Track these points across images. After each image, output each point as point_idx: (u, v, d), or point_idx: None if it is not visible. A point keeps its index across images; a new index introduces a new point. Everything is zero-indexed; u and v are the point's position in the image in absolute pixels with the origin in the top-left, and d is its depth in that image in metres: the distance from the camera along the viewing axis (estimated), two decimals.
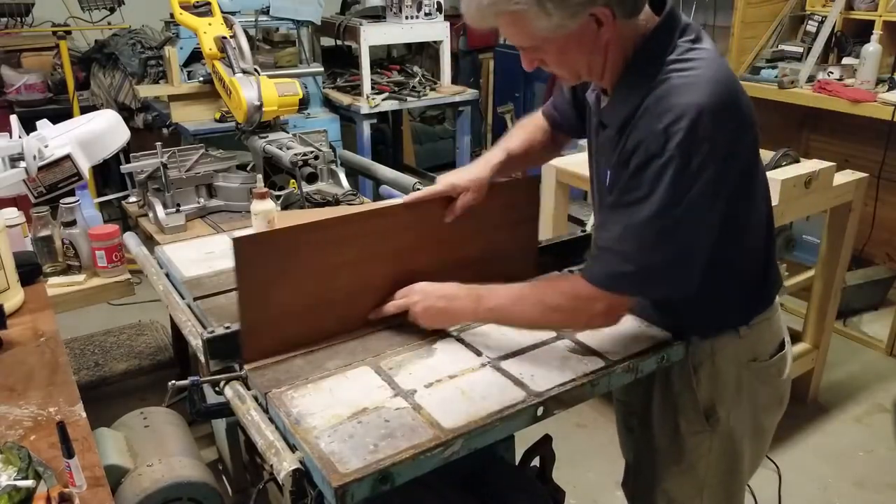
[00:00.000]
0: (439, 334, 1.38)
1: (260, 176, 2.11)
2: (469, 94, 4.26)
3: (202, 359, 1.31)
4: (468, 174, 1.43)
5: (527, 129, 1.56)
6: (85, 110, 3.66)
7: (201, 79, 3.46)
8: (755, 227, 1.28)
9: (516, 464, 1.57)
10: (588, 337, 1.36)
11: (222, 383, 1.26)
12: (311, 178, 2.09)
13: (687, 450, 1.38)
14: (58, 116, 1.98)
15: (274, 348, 1.30)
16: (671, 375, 1.37)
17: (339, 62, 4.40)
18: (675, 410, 1.38)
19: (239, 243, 1.21)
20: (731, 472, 1.42)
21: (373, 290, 1.39)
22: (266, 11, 3.74)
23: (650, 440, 1.44)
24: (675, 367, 1.35)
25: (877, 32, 3.16)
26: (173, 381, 1.26)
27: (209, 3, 2.51)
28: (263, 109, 2.24)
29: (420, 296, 1.34)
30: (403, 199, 1.45)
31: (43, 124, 1.83)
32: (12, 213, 1.96)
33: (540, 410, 1.17)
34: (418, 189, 2.12)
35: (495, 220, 1.50)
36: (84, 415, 1.27)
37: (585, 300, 1.20)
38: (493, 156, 1.47)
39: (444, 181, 1.42)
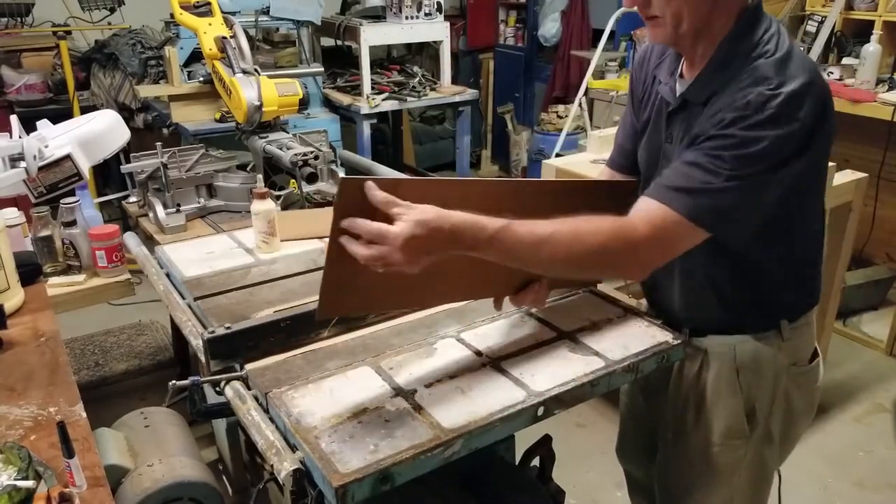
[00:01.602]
0: (439, 334, 1.38)
1: (260, 176, 2.11)
2: (469, 94, 4.27)
3: (202, 359, 1.31)
4: None
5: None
6: (85, 110, 3.66)
7: (201, 79, 3.46)
8: (813, 223, 1.27)
9: (516, 464, 1.57)
10: (588, 337, 1.36)
11: (223, 383, 1.26)
12: (311, 178, 2.09)
13: (723, 457, 1.36)
14: (58, 116, 1.98)
15: (346, 307, 1.22)
16: (710, 380, 1.35)
17: (339, 62, 4.40)
18: (715, 416, 1.35)
19: (346, 182, 1.04)
20: (761, 479, 1.41)
21: (456, 271, 1.19)
22: (266, 11, 3.74)
23: (683, 449, 1.41)
24: (715, 371, 1.34)
25: (877, 32, 3.16)
26: (173, 381, 1.26)
27: (209, 3, 2.51)
28: (263, 109, 2.24)
29: (402, 254, 1.02)
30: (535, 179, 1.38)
31: (43, 124, 1.83)
32: (12, 213, 1.96)
33: (540, 410, 1.17)
34: None
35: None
36: (84, 415, 1.27)
37: (636, 239, 1.11)
38: None
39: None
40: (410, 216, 1.01)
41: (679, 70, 1.27)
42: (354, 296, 1.17)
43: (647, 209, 1.13)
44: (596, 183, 1.38)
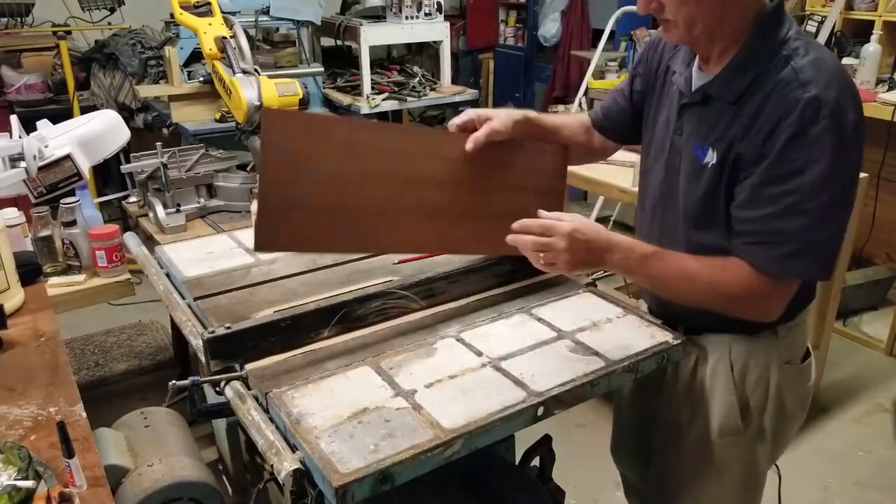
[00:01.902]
0: (439, 334, 1.38)
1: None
2: (469, 94, 4.27)
3: (202, 359, 1.31)
4: (492, 111, 1.37)
5: (568, 117, 1.54)
6: (85, 110, 3.66)
7: (201, 79, 3.46)
8: None
9: (516, 464, 1.57)
10: (588, 337, 1.36)
11: (223, 383, 1.26)
12: None
13: (717, 453, 1.37)
14: (58, 116, 1.99)
15: (286, 240, 1.24)
16: (706, 377, 1.35)
17: (339, 62, 4.40)
18: (710, 413, 1.36)
19: (270, 114, 1.14)
20: (752, 478, 1.41)
21: (393, 214, 1.31)
22: (266, 11, 3.74)
23: (678, 445, 1.42)
24: (710, 368, 1.34)
25: (877, 32, 3.16)
26: (173, 381, 1.26)
27: (209, 3, 2.50)
28: (263, 109, 2.23)
29: (566, 242, 1.17)
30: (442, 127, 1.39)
31: (43, 124, 1.83)
32: (12, 213, 1.96)
33: (540, 410, 1.17)
34: None
35: (521, 180, 1.43)
36: (84, 415, 1.27)
37: (762, 294, 1.16)
38: (517, 112, 1.40)
39: (469, 112, 1.37)
40: (577, 218, 1.20)
41: (695, 62, 1.26)
42: (293, 228, 1.21)
43: (768, 271, 1.15)
44: (516, 144, 1.38)
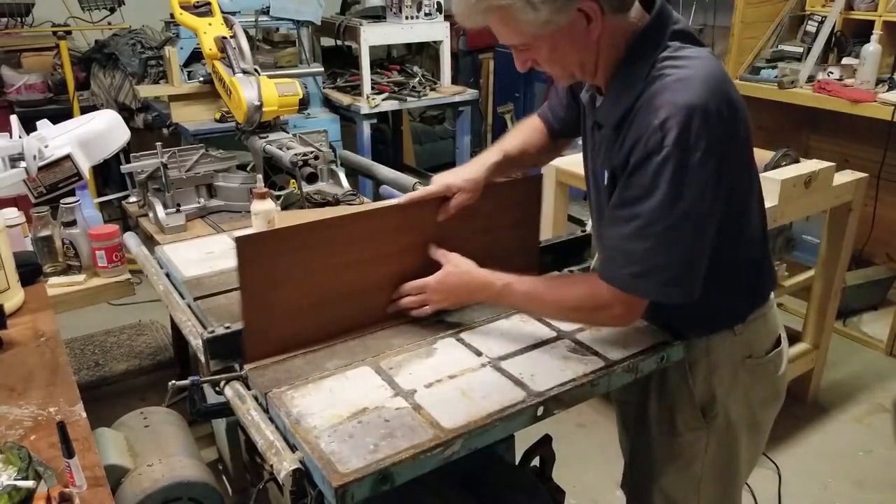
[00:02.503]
0: (439, 334, 1.38)
1: (260, 176, 2.11)
2: (469, 94, 4.26)
3: (202, 359, 1.31)
4: (463, 174, 1.43)
5: (523, 130, 1.56)
6: (85, 110, 3.66)
7: (201, 79, 3.46)
8: (751, 224, 1.28)
9: (516, 464, 1.57)
10: (588, 337, 1.36)
11: (222, 383, 1.26)
12: (311, 178, 2.09)
13: (684, 447, 1.39)
14: (58, 116, 1.98)
15: (276, 348, 1.30)
16: (667, 373, 1.37)
17: (339, 62, 4.40)
18: (672, 408, 1.38)
19: (241, 242, 1.22)
20: (728, 468, 1.42)
21: (376, 290, 1.40)
22: (266, 11, 3.74)
23: (647, 438, 1.45)
24: (671, 364, 1.36)
25: (877, 32, 3.16)
26: (173, 381, 1.26)
27: (209, 3, 2.51)
28: (263, 109, 2.24)
29: (438, 296, 1.39)
30: (398, 199, 1.46)
31: (43, 124, 1.83)
32: (12, 213, 1.96)
33: (540, 410, 1.17)
34: (417, 189, 2.13)
35: (496, 220, 1.51)
36: (84, 415, 1.27)
37: (605, 304, 1.21)
38: (490, 156, 1.47)
39: (439, 181, 1.42)
40: (445, 266, 1.38)
41: None
42: (281, 337, 1.31)
43: (609, 282, 1.19)
44: (487, 188, 1.45)
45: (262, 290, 1.26)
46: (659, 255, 1.14)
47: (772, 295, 1.40)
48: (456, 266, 1.38)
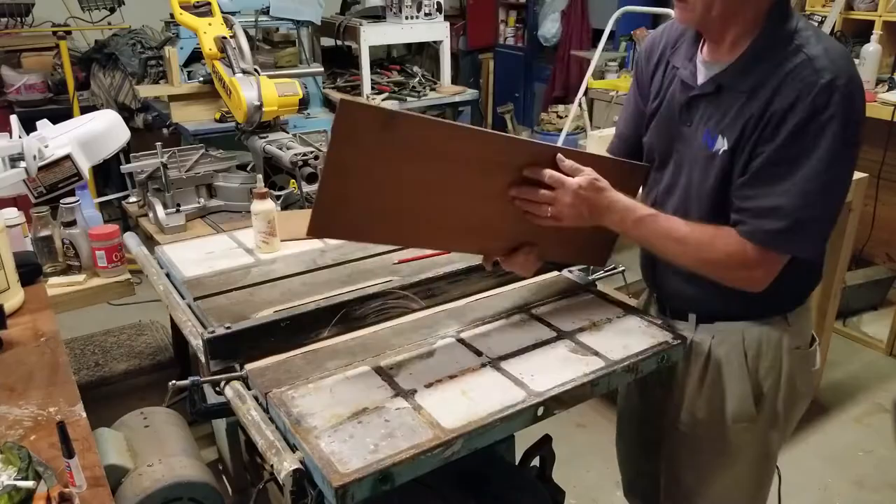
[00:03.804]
0: (439, 334, 1.38)
1: (260, 176, 2.11)
2: (469, 94, 4.27)
3: (202, 359, 1.31)
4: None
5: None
6: (85, 110, 3.66)
7: (201, 79, 3.46)
8: None
9: (516, 464, 1.58)
10: (588, 337, 1.36)
11: (222, 383, 1.26)
12: (311, 178, 2.09)
13: (731, 440, 1.38)
14: (58, 116, 1.98)
15: (337, 230, 1.21)
16: (721, 364, 1.36)
17: (339, 62, 4.40)
18: (725, 399, 1.37)
19: (345, 105, 1.08)
20: (765, 462, 1.43)
21: (448, 224, 1.27)
22: (266, 11, 3.74)
23: (691, 434, 1.42)
24: (723, 356, 1.35)
25: (877, 32, 3.16)
26: (173, 381, 1.26)
27: (209, 3, 2.51)
28: (263, 109, 2.24)
29: (571, 200, 1.22)
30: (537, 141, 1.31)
31: (43, 124, 1.83)
32: (12, 213, 1.96)
33: (540, 410, 1.17)
34: None
35: None
36: (84, 415, 1.27)
37: (750, 264, 1.20)
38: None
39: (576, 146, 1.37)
40: (586, 174, 1.23)
41: (698, 54, 1.28)
42: (346, 220, 1.18)
43: (758, 244, 1.18)
44: (600, 159, 1.34)
45: (345, 167, 1.12)
46: (809, 211, 1.15)
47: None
48: (598, 179, 1.23)
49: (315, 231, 1.18)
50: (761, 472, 1.44)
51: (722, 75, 1.23)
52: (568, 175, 1.23)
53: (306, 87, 2.67)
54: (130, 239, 1.98)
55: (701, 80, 1.26)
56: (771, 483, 1.49)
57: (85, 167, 1.79)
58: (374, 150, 1.12)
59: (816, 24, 3.40)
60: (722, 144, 1.22)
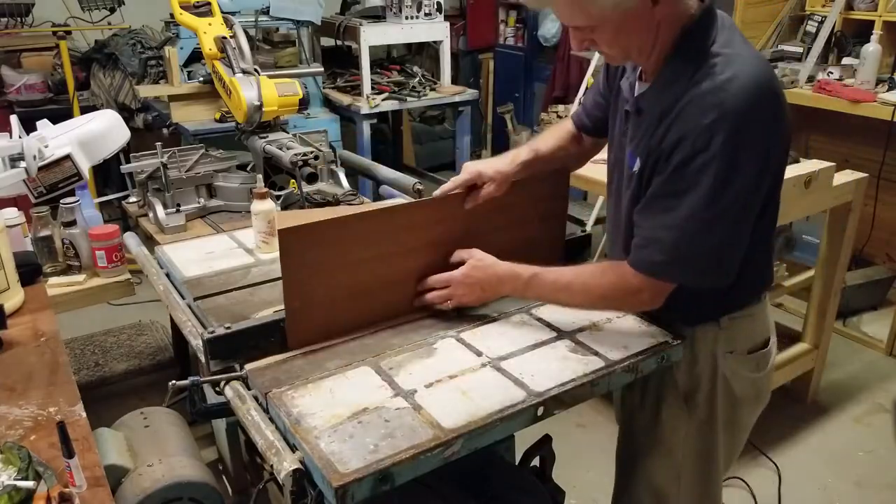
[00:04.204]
0: (439, 334, 1.38)
1: (260, 176, 2.11)
2: (469, 94, 4.27)
3: (202, 359, 1.31)
4: (495, 165, 1.46)
5: (556, 132, 1.59)
6: (85, 110, 3.66)
7: (201, 79, 3.46)
8: (763, 225, 1.29)
9: (516, 464, 1.58)
10: (588, 337, 1.36)
11: (222, 383, 1.26)
12: (311, 178, 2.08)
13: (666, 434, 1.42)
14: (58, 116, 1.98)
15: (315, 336, 1.34)
16: None
17: (339, 62, 4.40)
18: (657, 395, 1.41)
19: (283, 234, 1.25)
20: (707, 459, 1.44)
21: (410, 281, 1.43)
22: (266, 11, 3.74)
23: (632, 425, 1.48)
24: (671, 364, 1.36)
25: (877, 32, 3.16)
26: (173, 381, 1.26)
27: (209, 3, 2.51)
28: (263, 109, 2.23)
29: (462, 289, 1.39)
30: (435, 193, 1.47)
31: (43, 124, 1.83)
32: (12, 213, 1.96)
33: (540, 410, 1.17)
34: (419, 188, 2.12)
35: (524, 214, 1.54)
36: (84, 415, 1.27)
37: (634, 290, 1.25)
38: (522, 153, 1.50)
39: (471, 168, 1.45)
40: (471, 259, 1.39)
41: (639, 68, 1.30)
42: (319, 324, 1.34)
43: (643, 271, 1.23)
44: (518, 183, 1.49)
45: (301, 280, 1.30)
46: (692, 247, 1.17)
47: (766, 297, 1.41)
48: (480, 260, 1.39)
49: (295, 344, 1.33)
50: (706, 469, 1.45)
51: (642, 97, 1.26)
52: (458, 261, 1.40)
53: (306, 87, 2.67)
54: (130, 239, 1.97)
55: (636, 94, 1.28)
56: (719, 485, 1.50)
57: (85, 167, 1.79)
58: (321, 256, 1.30)
59: (817, 23, 3.40)
60: (636, 165, 1.26)
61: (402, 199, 2.14)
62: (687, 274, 1.22)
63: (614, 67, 1.42)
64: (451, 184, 1.45)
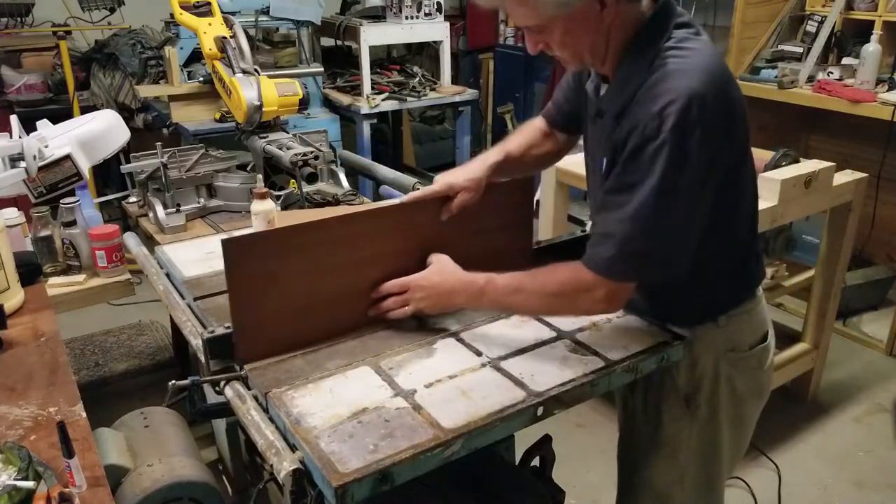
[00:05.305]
0: (439, 334, 1.38)
1: (260, 176, 2.11)
2: (469, 94, 4.27)
3: (202, 359, 1.31)
4: (465, 174, 1.44)
5: (526, 132, 1.58)
6: (85, 110, 3.66)
7: (201, 79, 3.46)
8: (741, 218, 1.30)
9: (516, 464, 1.58)
10: (588, 337, 1.36)
11: (222, 383, 1.26)
12: (311, 178, 2.09)
13: (668, 437, 1.41)
14: (58, 116, 1.98)
15: (267, 349, 1.30)
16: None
17: (339, 62, 4.40)
18: (658, 398, 1.40)
19: (228, 244, 1.21)
20: (711, 460, 1.43)
21: (368, 292, 1.39)
22: (266, 11, 3.74)
23: (634, 428, 1.47)
24: (671, 364, 1.36)
25: (876, 32, 3.16)
26: (173, 381, 1.26)
27: (209, 3, 2.51)
28: (263, 109, 2.24)
29: (420, 293, 1.36)
30: (401, 199, 1.46)
31: (43, 124, 1.83)
32: (12, 213, 1.96)
33: (540, 410, 1.17)
34: (418, 189, 2.12)
35: (487, 223, 1.51)
36: (84, 415, 1.27)
37: (586, 287, 1.22)
38: (491, 156, 1.48)
39: (442, 181, 1.43)
40: (431, 264, 1.38)
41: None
42: (270, 338, 1.29)
43: (595, 269, 1.20)
44: (487, 188, 1.46)
45: (250, 292, 1.25)
46: (642, 240, 1.15)
47: (760, 291, 1.41)
48: (441, 265, 1.38)
49: (245, 356, 1.28)
50: (710, 471, 1.44)
51: (602, 99, 1.26)
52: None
53: (306, 87, 2.67)
54: (130, 239, 1.97)
55: (600, 96, 1.28)
56: (724, 481, 1.50)
57: (85, 167, 1.79)
58: (272, 267, 1.26)
59: (817, 23, 3.40)
60: (604, 166, 1.26)
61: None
62: (642, 268, 1.19)
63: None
64: (422, 193, 1.44)
